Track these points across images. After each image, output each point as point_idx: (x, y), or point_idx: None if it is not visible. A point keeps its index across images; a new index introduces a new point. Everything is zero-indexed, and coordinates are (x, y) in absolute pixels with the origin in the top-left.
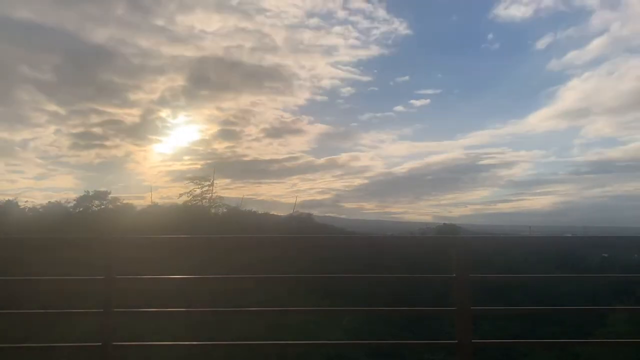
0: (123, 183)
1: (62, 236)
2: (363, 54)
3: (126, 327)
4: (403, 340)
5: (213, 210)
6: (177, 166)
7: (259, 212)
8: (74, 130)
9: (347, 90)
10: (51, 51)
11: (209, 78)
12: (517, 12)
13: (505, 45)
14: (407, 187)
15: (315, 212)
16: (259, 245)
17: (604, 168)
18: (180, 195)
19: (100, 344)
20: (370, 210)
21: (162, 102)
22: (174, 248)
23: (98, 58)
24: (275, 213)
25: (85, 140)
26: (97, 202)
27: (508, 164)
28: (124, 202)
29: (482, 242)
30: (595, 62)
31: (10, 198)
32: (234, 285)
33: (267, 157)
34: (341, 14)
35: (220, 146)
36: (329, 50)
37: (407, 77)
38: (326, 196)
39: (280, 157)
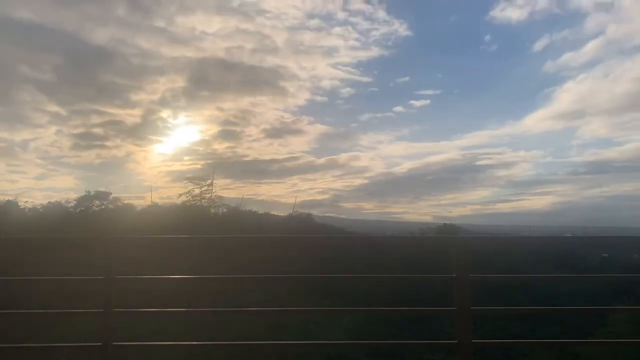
0: (123, 183)
1: (62, 236)
2: (363, 55)
3: (126, 327)
4: (403, 340)
5: (213, 210)
6: (178, 166)
7: (259, 212)
8: (75, 131)
9: (347, 91)
10: (52, 51)
11: (209, 79)
12: (514, 14)
13: (503, 46)
14: (406, 187)
15: (315, 212)
16: (259, 245)
17: (601, 168)
18: (180, 195)
19: (100, 344)
20: (370, 210)
21: (163, 102)
22: (174, 248)
23: (99, 58)
24: (275, 213)
25: (85, 140)
26: (97, 202)
27: (507, 164)
28: (124, 202)
29: (482, 242)
30: (590, 64)
31: (11, 198)
32: (234, 285)
33: (267, 157)
34: (341, 15)
35: (221, 146)
36: (329, 51)
37: (406, 78)
38: (326, 196)
39: (281, 157)
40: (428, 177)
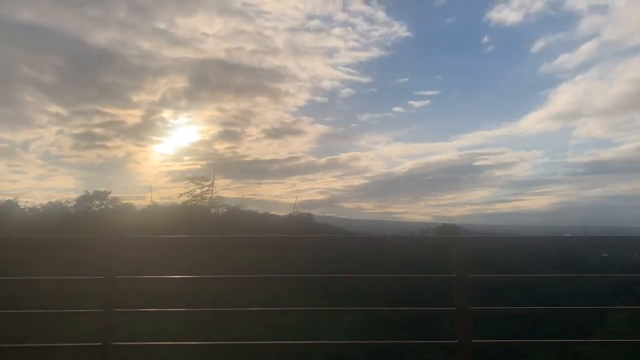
0: (123, 183)
1: (62, 236)
2: (363, 55)
3: (126, 327)
4: (403, 340)
5: (213, 210)
6: (178, 166)
7: (259, 212)
8: (76, 131)
9: (347, 92)
10: (53, 52)
11: (210, 80)
12: (510, 16)
13: (500, 48)
14: (406, 187)
15: (315, 212)
16: (259, 245)
17: (599, 169)
18: (180, 195)
19: (100, 344)
20: (370, 210)
21: (164, 103)
22: (174, 248)
23: (99, 59)
24: (275, 213)
25: (86, 140)
26: (97, 202)
27: (507, 165)
28: (124, 202)
29: (482, 242)
30: (586, 66)
31: (11, 198)
32: (234, 285)
33: (268, 158)
34: (341, 16)
35: (221, 147)
36: (329, 52)
37: (406, 79)
38: (326, 196)
39: (281, 157)
40: (428, 177)
